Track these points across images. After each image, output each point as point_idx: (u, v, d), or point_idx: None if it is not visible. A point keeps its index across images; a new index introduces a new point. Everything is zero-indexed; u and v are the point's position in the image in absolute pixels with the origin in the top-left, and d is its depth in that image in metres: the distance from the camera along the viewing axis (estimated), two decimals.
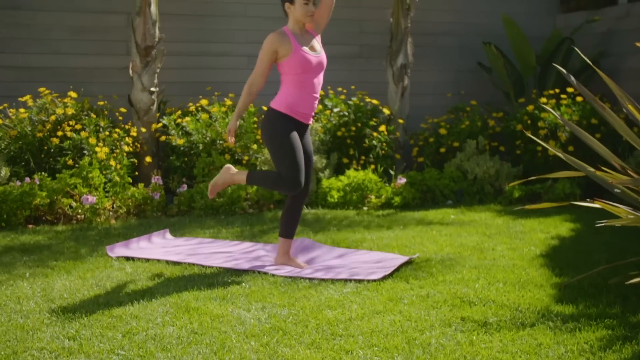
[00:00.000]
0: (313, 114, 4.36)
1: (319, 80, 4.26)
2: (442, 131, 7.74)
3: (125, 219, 6.13)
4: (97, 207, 5.96)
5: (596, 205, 3.44)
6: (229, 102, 7.31)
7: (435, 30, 8.75)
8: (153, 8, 6.93)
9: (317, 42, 4.29)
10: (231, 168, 4.42)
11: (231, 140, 4.30)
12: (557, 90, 7.75)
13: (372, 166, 7.28)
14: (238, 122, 4.32)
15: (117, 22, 7.52)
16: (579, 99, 7.47)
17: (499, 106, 8.55)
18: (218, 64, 7.99)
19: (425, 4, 8.39)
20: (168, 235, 5.37)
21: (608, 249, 4.80)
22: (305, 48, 4.18)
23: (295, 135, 4.19)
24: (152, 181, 6.40)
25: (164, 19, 7.32)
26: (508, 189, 7.03)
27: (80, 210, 5.97)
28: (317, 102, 4.29)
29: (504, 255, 4.67)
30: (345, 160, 7.33)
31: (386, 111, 7.73)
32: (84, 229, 5.68)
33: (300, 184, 4.16)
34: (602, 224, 3.35)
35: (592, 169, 3.41)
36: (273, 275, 4.22)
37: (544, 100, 7.51)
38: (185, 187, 6.54)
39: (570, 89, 7.62)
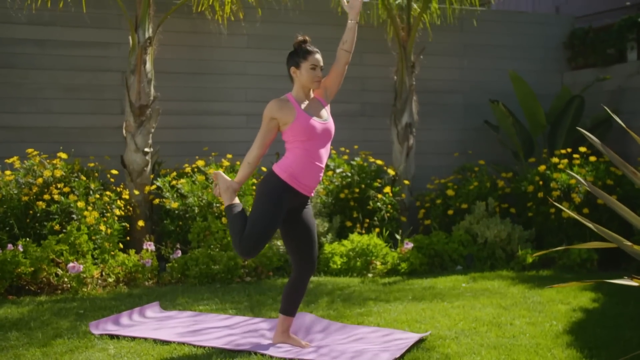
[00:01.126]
0: (316, 186, 4.02)
1: (326, 149, 3.93)
2: (450, 192, 7.40)
3: (114, 288, 5.72)
4: (84, 275, 5.57)
5: (634, 283, 3.06)
6: (226, 163, 7.00)
7: (440, 88, 8.52)
8: (148, 66, 6.68)
9: (324, 110, 3.97)
10: (234, 196, 4.00)
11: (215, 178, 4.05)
12: (569, 150, 7.44)
13: (377, 230, 6.91)
14: (235, 189, 4.02)
15: (111, 80, 7.27)
16: (592, 158, 7.15)
17: (508, 166, 8.23)
18: (216, 123, 7.71)
19: (430, 61, 8.17)
20: (157, 309, 4.96)
21: (638, 324, 4.39)
22: (310, 114, 3.87)
23: (279, 210, 3.80)
24: (144, 247, 6.03)
25: (159, 77, 7.08)
26: (521, 254, 6.64)
27: (66, 279, 5.58)
28: (322, 173, 3.95)
29: (524, 332, 4.26)
30: (349, 224, 6.97)
31: (391, 172, 7.41)
32: (68, 300, 5.27)
33: (249, 254, 3.80)
34: None
35: (628, 242, 3.05)
36: (271, 357, 3.81)
37: (555, 160, 7.20)
38: (179, 253, 6.17)
39: (582, 148, 7.31)
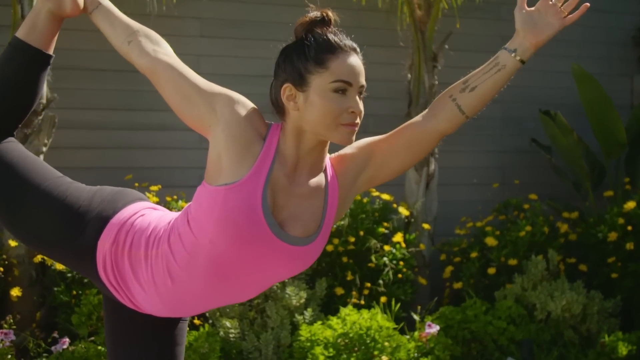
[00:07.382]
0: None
1: (264, 282, 1.74)
2: (490, 241, 5.06)
3: None
4: None
5: None
6: (168, 198, 4.78)
7: None
8: None
9: (324, 213, 1.71)
10: (50, 32, 1.86)
11: None
12: None
13: (383, 299, 4.57)
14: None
15: None
16: None
17: (568, 202, 5.90)
18: (155, 141, 5.49)
19: (456, 58, 5.86)
20: None
21: None
22: (273, 205, 1.63)
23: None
24: None
25: (64, 75, 4.88)
26: (608, 341, 4.28)
27: None
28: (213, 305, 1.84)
29: None
30: (340, 291, 4.61)
31: (403, 211, 5.08)
32: None
33: None
34: None
35: None
36: None
37: None
38: (65, 342, 3.88)
39: None
